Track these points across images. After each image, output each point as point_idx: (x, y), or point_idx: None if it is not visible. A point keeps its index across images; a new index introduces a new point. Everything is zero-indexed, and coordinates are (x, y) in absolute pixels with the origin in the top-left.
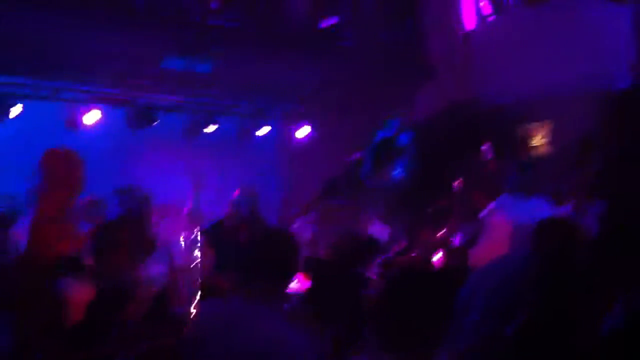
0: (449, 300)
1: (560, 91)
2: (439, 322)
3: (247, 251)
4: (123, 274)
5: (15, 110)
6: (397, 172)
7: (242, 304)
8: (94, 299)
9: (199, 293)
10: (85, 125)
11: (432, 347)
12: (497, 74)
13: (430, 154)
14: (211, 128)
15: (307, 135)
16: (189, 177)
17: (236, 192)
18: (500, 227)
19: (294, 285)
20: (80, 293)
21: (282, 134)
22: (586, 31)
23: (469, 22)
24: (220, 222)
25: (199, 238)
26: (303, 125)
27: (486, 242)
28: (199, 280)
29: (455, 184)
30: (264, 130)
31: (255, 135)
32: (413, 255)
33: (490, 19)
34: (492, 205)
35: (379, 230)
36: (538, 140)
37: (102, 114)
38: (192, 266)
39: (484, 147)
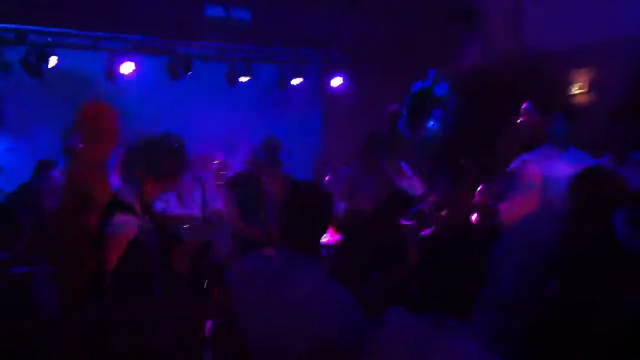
0: (483, 259)
1: (605, 37)
2: (475, 282)
3: (284, 204)
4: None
5: (53, 61)
6: (432, 124)
7: (282, 258)
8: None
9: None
10: (123, 75)
11: (469, 306)
12: (546, 22)
13: (470, 107)
14: (248, 77)
15: (343, 85)
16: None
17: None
18: (532, 180)
19: (325, 237)
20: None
21: (320, 83)
22: None
23: None
24: (241, 171)
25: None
26: (340, 75)
27: (516, 196)
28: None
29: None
30: (299, 80)
31: (292, 85)
32: (445, 213)
33: None
34: (523, 156)
35: (414, 185)
36: (579, 88)
37: (140, 63)
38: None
39: (524, 106)
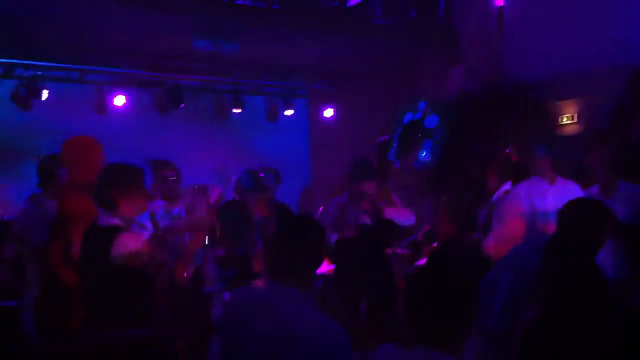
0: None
1: (590, 66)
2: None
3: (278, 237)
4: None
5: (44, 95)
6: (424, 156)
7: (274, 290)
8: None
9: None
10: (114, 108)
11: (459, 335)
12: (528, 51)
13: (455, 137)
14: (239, 109)
15: (333, 115)
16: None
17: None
18: (514, 211)
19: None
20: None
21: (309, 113)
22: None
23: None
24: (231, 200)
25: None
26: (330, 105)
27: (499, 228)
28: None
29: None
30: (291, 112)
31: (283, 115)
32: (434, 245)
33: None
34: (506, 187)
35: (403, 215)
36: (567, 118)
37: (130, 96)
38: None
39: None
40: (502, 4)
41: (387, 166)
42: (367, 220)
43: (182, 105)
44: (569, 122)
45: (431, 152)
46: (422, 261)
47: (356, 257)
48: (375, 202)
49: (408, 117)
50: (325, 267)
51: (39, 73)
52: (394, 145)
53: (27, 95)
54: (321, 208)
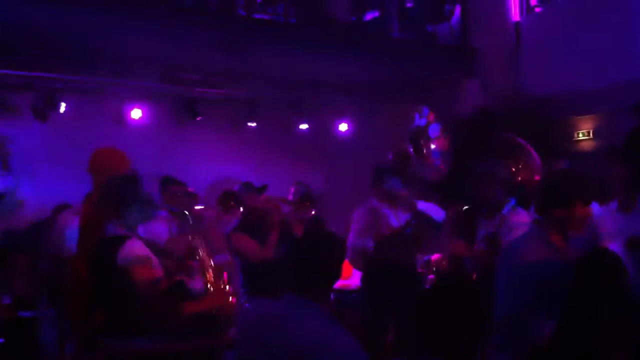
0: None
1: (607, 82)
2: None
3: (295, 251)
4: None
5: (62, 107)
6: (434, 165)
7: (290, 303)
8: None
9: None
10: (131, 120)
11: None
12: (544, 67)
13: (468, 151)
14: (254, 122)
15: (348, 129)
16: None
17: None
18: (521, 224)
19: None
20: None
21: (324, 127)
22: (637, 21)
23: (515, 13)
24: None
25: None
26: (345, 119)
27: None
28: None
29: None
30: (305, 125)
31: (298, 129)
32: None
33: (538, 9)
34: (512, 202)
35: (434, 209)
36: (583, 134)
37: (147, 108)
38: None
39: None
40: (519, 20)
41: (406, 171)
42: (400, 218)
43: (199, 117)
44: (585, 137)
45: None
46: (432, 277)
47: (390, 268)
48: (407, 197)
49: (416, 119)
50: (341, 282)
51: (57, 85)
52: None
53: (44, 107)
54: (355, 215)
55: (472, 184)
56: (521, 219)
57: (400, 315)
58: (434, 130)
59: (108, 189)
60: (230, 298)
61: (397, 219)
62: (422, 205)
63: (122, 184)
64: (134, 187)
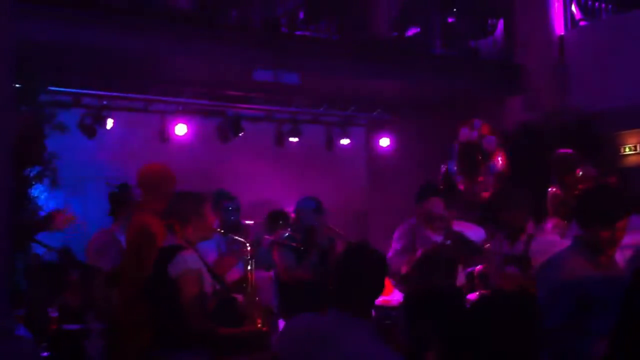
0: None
1: None
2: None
3: (338, 267)
4: None
5: (109, 124)
6: (484, 179)
7: (334, 319)
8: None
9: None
10: (176, 136)
11: None
12: (589, 82)
13: (517, 167)
14: (296, 138)
15: (390, 144)
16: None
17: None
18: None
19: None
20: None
21: (366, 142)
22: None
23: (559, 27)
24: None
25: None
26: (387, 134)
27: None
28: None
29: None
30: (347, 141)
31: (340, 144)
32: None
33: (582, 23)
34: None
35: (472, 229)
36: (628, 148)
37: (192, 124)
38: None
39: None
40: (563, 34)
41: (453, 190)
42: (437, 238)
43: (241, 133)
44: (631, 152)
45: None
46: (473, 296)
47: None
48: (444, 218)
49: (464, 132)
50: (382, 298)
51: (104, 102)
52: (452, 164)
53: (92, 124)
54: (396, 234)
55: (498, 207)
56: (551, 238)
57: (442, 339)
58: (490, 143)
59: (173, 204)
60: (262, 324)
61: (434, 241)
62: (459, 226)
63: (185, 200)
64: (199, 206)
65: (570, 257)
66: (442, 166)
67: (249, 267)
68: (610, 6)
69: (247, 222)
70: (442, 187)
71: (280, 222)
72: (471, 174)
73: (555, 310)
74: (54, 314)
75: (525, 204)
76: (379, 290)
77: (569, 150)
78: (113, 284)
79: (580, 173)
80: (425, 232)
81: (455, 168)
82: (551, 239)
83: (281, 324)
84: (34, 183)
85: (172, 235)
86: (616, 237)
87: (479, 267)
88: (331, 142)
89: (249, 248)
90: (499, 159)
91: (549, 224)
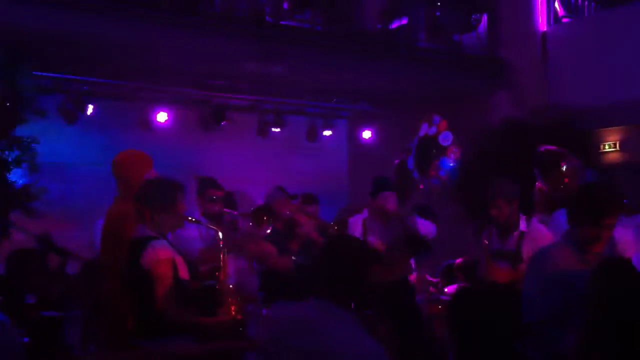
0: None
1: (634, 94)
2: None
3: (320, 256)
4: None
5: (89, 109)
6: (444, 174)
7: (316, 307)
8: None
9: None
10: (158, 124)
11: None
12: (571, 78)
13: (500, 161)
14: (279, 128)
15: (372, 137)
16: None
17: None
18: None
19: None
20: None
21: (348, 134)
22: None
23: (542, 23)
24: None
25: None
26: (370, 126)
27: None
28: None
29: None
30: (329, 131)
31: (323, 136)
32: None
33: (565, 20)
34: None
35: (424, 225)
36: (608, 145)
37: (174, 113)
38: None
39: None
40: (545, 30)
41: (407, 184)
42: (387, 233)
43: (224, 122)
44: (611, 149)
45: (448, 173)
46: (451, 288)
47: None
48: (395, 213)
49: (424, 128)
50: None
51: (85, 88)
52: (412, 154)
53: (73, 110)
54: (349, 223)
55: (486, 202)
56: (544, 234)
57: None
58: (446, 138)
59: (144, 191)
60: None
61: (385, 235)
62: (411, 221)
63: (156, 188)
64: (173, 195)
65: (558, 252)
66: (395, 160)
67: (221, 255)
68: (593, 3)
69: (227, 210)
70: (396, 181)
71: (265, 217)
72: (424, 168)
73: (541, 303)
74: (31, 300)
75: (515, 199)
76: (359, 280)
77: (553, 147)
78: (95, 273)
79: (565, 167)
80: (374, 227)
81: (413, 164)
82: (545, 234)
83: (264, 313)
84: (12, 167)
85: (142, 225)
86: (603, 235)
87: (458, 260)
88: (314, 133)
89: (220, 236)
90: (452, 155)
91: (535, 219)
